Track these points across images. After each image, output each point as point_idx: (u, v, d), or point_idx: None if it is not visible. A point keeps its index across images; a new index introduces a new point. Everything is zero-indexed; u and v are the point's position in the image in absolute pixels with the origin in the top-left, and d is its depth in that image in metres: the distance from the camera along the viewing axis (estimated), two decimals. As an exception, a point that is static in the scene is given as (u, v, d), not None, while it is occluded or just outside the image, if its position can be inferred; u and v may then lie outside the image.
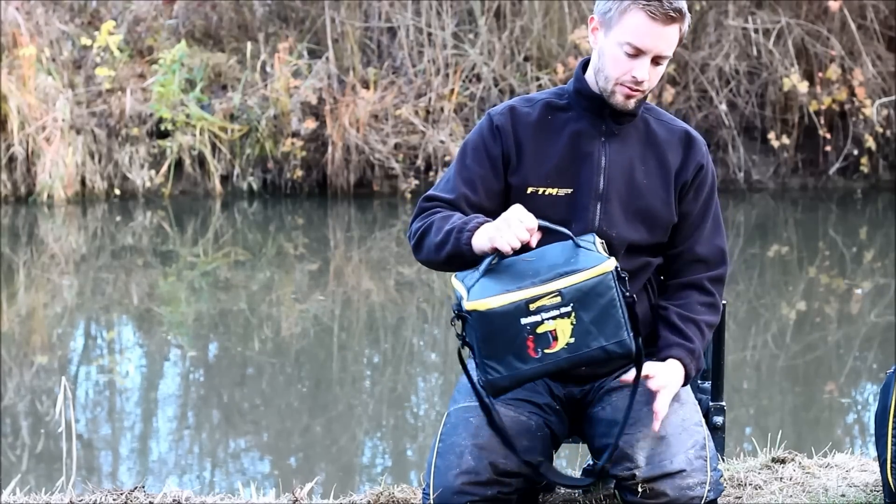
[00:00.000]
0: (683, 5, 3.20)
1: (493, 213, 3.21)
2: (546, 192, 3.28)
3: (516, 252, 3.09)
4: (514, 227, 3.07)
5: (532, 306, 2.98)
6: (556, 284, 2.99)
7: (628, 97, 3.24)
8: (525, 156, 3.29)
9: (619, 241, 3.27)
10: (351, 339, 8.92)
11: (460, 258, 3.16)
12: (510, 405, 3.23)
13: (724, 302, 3.65)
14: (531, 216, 3.10)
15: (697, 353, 3.27)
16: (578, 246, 3.07)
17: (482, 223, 3.15)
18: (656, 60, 3.21)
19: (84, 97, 13.41)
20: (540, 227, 3.11)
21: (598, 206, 3.28)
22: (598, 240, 3.13)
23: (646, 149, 3.32)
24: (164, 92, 13.23)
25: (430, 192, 3.32)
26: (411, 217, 3.34)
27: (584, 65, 3.34)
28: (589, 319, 2.99)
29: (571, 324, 2.98)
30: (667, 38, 3.19)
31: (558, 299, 2.98)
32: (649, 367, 3.15)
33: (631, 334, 3.01)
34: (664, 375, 3.17)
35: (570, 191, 3.28)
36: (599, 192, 3.28)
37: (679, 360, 3.24)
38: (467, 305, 3.01)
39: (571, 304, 2.98)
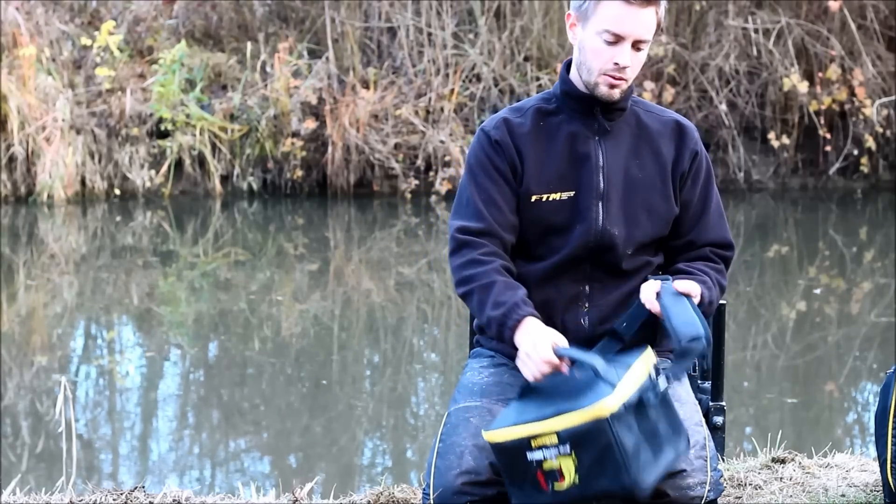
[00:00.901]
0: None
1: (516, 228, 3.26)
2: (549, 199, 3.28)
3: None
4: (534, 360, 3.07)
5: (534, 443, 2.93)
6: (553, 425, 2.92)
7: (612, 87, 3.24)
8: (527, 165, 3.29)
9: (623, 239, 3.27)
10: (351, 339, 8.92)
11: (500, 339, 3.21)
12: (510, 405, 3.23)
13: (723, 302, 3.66)
14: (548, 349, 3.05)
15: (708, 284, 3.23)
16: (598, 375, 2.95)
17: (522, 318, 3.13)
18: (636, 46, 3.21)
19: (84, 97, 13.41)
20: (564, 357, 3.06)
21: (600, 206, 3.28)
22: (640, 363, 3.00)
23: (639, 142, 3.33)
24: (164, 92, 13.23)
25: (459, 221, 3.27)
26: (449, 248, 3.30)
27: (568, 66, 3.35)
28: (589, 462, 2.90)
29: (574, 463, 2.92)
30: (644, 22, 3.19)
31: (556, 439, 2.92)
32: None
33: (634, 477, 2.89)
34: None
35: (572, 193, 3.28)
36: (601, 191, 3.28)
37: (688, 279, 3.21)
38: (484, 435, 3.01)
39: (569, 445, 2.91)
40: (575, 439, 2.90)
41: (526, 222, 3.29)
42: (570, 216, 3.27)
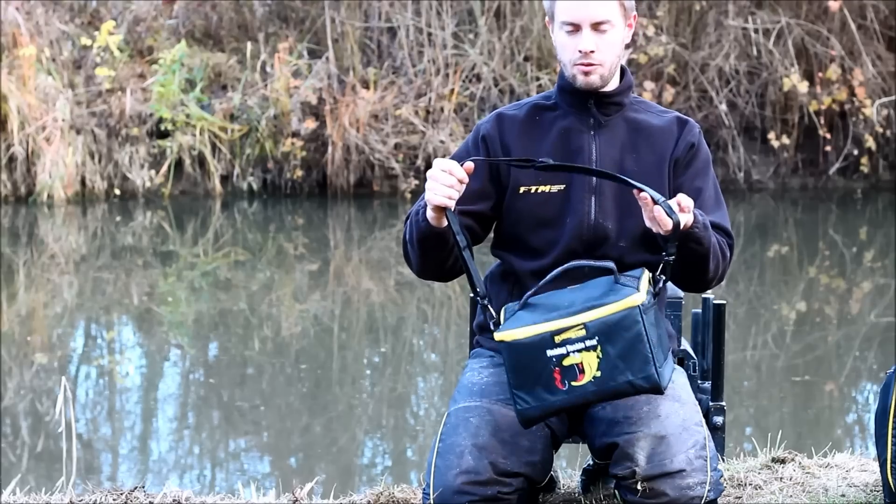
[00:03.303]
0: None
1: (481, 215, 3.30)
2: (538, 190, 3.30)
3: (554, 287, 3.11)
4: (440, 178, 3.11)
5: (558, 338, 2.98)
6: (582, 318, 2.99)
7: (586, 73, 3.28)
8: (513, 157, 3.31)
9: (616, 233, 3.28)
10: (351, 339, 8.92)
11: (432, 241, 3.20)
12: (509, 405, 3.23)
13: (724, 302, 3.66)
14: (455, 164, 3.11)
15: (710, 230, 3.20)
16: (617, 282, 3.07)
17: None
18: (598, 28, 3.26)
19: (84, 97, 13.41)
20: (584, 268, 3.13)
21: (593, 200, 3.29)
22: (646, 274, 3.11)
23: (636, 136, 3.34)
24: (164, 92, 13.23)
25: (412, 209, 3.33)
26: None
27: None
28: (615, 353, 2.98)
29: (598, 357, 2.98)
30: (595, 4, 3.24)
31: (583, 332, 2.98)
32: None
33: (659, 369, 2.99)
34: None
35: (562, 186, 3.30)
36: (593, 185, 3.30)
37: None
38: (497, 336, 3.04)
39: (597, 338, 2.97)
40: (604, 330, 2.98)
41: (516, 214, 3.32)
42: (561, 209, 3.29)
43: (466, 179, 3.13)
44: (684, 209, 3.11)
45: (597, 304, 3.01)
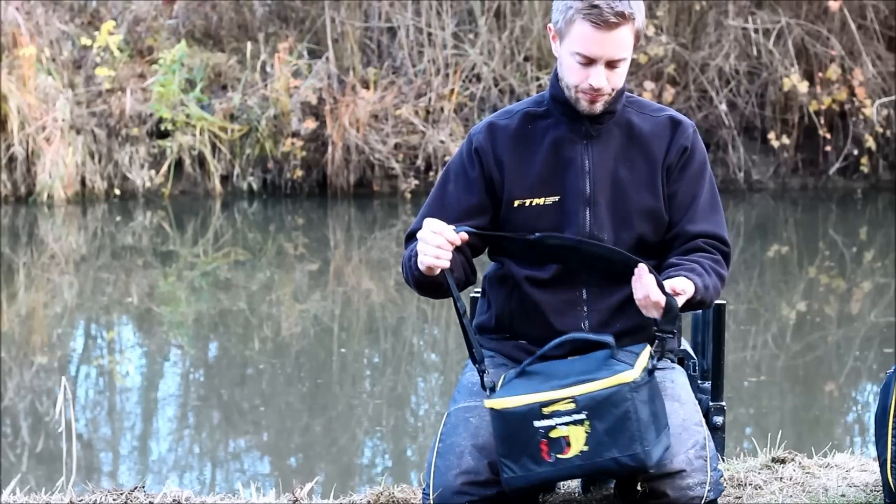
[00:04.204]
0: (627, 6, 3.17)
1: (481, 229, 3.24)
2: (533, 203, 3.28)
3: (553, 357, 3.11)
4: (431, 240, 3.09)
5: (546, 410, 2.98)
6: (572, 391, 2.98)
7: (592, 102, 3.23)
8: (507, 170, 3.28)
9: (612, 243, 3.25)
10: (351, 339, 8.92)
11: (428, 286, 3.21)
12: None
13: (724, 302, 3.65)
14: (448, 227, 3.09)
15: (698, 271, 3.17)
16: (614, 357, 3.05)
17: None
18: (612, 64, 3.19)
19: (84, 97, 13.41)
20: (579, 341, 3.13)
21: (588, 211, 3.27)
22: (646, 350, 3.08)
23: (629, 145, 3.30)
24: (164, 92, 13.23)
25: (412, 226, 3.31)
26: None
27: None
28: (603, 429, 2.97)
29: (586, 432, 2.97)
30: (615, 43, 3.17)
31: (572, 405, 2.97)
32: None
33: (646, 448, 2.97)
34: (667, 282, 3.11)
35: (557, 198, 3.27)
36: (587, 196, 3.27)
37: (681, 276, 3.15)
38: (487, 403, 3.04)
39: (585, 412, 2.97)
40: (592, 405, 2.96)
41: (511, 227, 3.28)
42: (556, 221, 3.26)
43: (458, 243, 3.10)
44: (679, 293, 3.08)
45: (588, 379, 2.99)
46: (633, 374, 2.98)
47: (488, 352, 3.39)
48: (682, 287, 3.10)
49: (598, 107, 3.23)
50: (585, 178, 3.27)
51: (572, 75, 3.21)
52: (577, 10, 3.16)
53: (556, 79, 3.31)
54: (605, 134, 3.29)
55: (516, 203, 3.28)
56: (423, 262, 3.10)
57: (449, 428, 3.20)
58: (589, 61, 3.18)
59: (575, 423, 2.97)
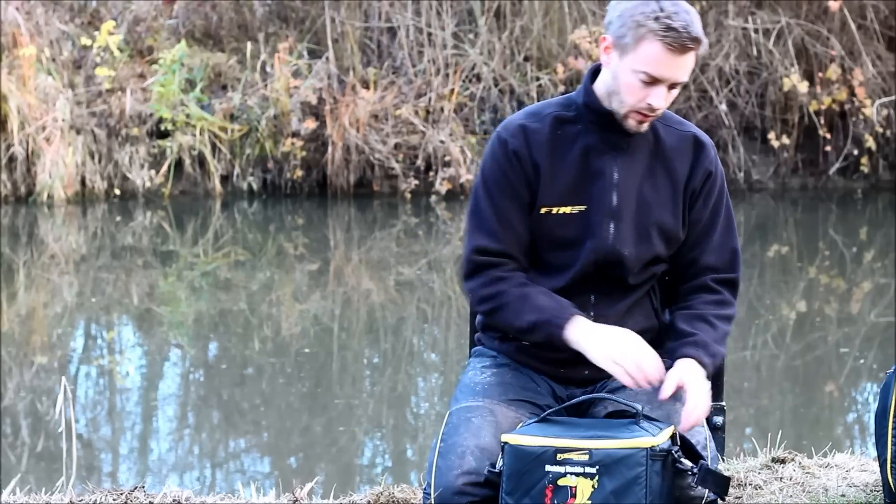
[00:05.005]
0: (700, 30, 3.15)
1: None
2: (559, 212, 3.24)
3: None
4: (646, 368, 3.12)
5: (560, 456, 2.96)
6: (589, 443, 2.97)
7: (641, 122, 3.20)
8: (541, 176, 3.24)
9: (632, 259, 3.25)
10: (351, 339, 8.92)
11: (552, 346, 3.20)
12: (511, 406, 3.23)
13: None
14: (656, 376, 3.11)
15: (704, 341, 3.21)
16: (638, 424, 3.03)
17: (572, 316, 3.16)
18: (672, 86, 3.17)
19: (84, 97, 13.41)
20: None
21: (612, 224, 3.24)
22: (671, 429, 3.05)
23: (654, 161, 3.27)
24: (164, 92, 13.23)
25: (476, 241, 3.24)
26: (462, 270, 3.29)
27: (594, 73, 3.28)
28: (611, 488, 2.94)
29: (593, 487, 2.95)
30: (684, 66, 3.16)
31: (586, 457, 2.95)
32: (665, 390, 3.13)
33: None
34: (677, 377, 3.14)
35: (583, 208, 3.24)
36: (613, 208, 3.24)
37: (688, 356, 3.19)
38: (503, 437, 3.03)
39: (597, 467, 2.94)
40: (607, 462, 2.94)
41: (535, 234, 3.26)
42: (579, 231, 3.24)
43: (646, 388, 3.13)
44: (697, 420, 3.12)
45: (608, 436, 2.98)
46: (653, 440, 2.96)
47: (490, 351, 3.39)
48: (698, 417, 3.12)
49: (644, 127, 3.21)
50: (612, 191, 3.24)
51: (631, 94, 3.15)
52: (650, 30, 3.10)
53: (590, 82, 3.25)
54: (633, 147, 3.26)
55: (543, 210, 3.24)
56: (635, 376, 3.10)
57: (450, 428, 3.19)
58: (653, 81, 3.14)
59: (585, 475, 2.94)
